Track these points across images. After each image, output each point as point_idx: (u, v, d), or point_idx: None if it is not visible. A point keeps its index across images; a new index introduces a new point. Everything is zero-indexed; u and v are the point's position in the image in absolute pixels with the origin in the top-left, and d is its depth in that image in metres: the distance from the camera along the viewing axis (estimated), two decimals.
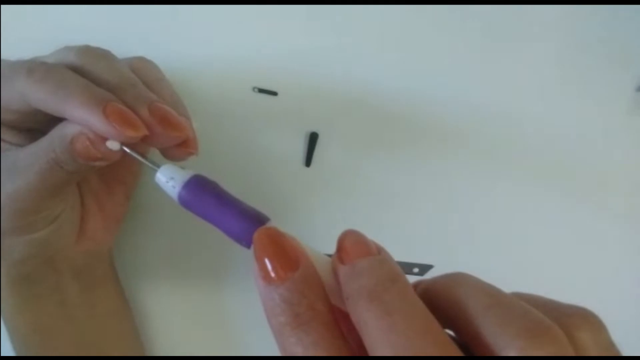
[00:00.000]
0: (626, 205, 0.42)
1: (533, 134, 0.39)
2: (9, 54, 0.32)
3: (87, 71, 0.25)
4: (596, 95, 0.37)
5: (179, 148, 0.26)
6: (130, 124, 0.24)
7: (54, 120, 0.25)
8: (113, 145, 0.24)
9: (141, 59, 0.30)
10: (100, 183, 0.32)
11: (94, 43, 0.33)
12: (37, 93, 0.24)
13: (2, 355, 0.36)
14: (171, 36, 0.35)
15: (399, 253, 0.39)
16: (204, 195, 0.23)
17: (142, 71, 0.28)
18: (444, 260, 0.39)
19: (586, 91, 0.37)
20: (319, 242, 0.38)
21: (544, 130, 0.39)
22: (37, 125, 0.27)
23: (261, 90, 0.36)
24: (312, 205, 0.38)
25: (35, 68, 0.25)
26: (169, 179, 0.23)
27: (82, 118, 0.24)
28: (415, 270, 0.39)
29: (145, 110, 0.24)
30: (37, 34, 0.35)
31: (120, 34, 0.35)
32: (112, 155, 0.25)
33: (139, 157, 0.25)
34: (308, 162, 0.37)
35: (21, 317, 0.30)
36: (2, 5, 0.34)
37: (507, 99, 0.37)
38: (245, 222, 0.23)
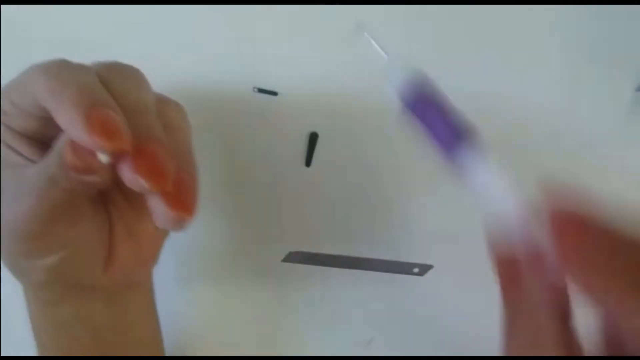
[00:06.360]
0: (626, 205, 0.42)
1: (533, 133, 0.39)
2: (9, 54, 0.33)
3: (108, 87, 0.23)
4: (596, 95, 0.37)
5: (168, 206, 0.23)
6: (109, 133, 0.21)
7: None
8: (103, 157, 0.21)
9: (172, 104, 0.27)
10: (129, 208, 0.28)
11: (93, 43, 0.33)
12: (41, 87, 0.22)
13: (2, 355, 0.36)
14: (171, 36, 0.35)
15: (399, 253, 0.39)
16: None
17: (166, 113, 0.26)
18: (444, 260, 0.39)
19: (586, 91, 0.37)
20: (319, 241, 0.38)
21: (543, 130, 0.39)
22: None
23: (261, 90, 0.36)
24: (312, 205, 0.38)
25: (53, 64, 0.23)
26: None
27: (65, 122, 0.21)
28: (416, 270, 0.39)
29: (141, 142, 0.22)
30: (37, 34, 0.35)
31: (121, 34, 0.35)
32: (100, 169, 0.22)
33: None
34: (308, 162, 0.37)
35: (52, 342, 0.29)
36: (2, 5, 0.34)
37: (506, 99, 0.37)
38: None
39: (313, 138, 0.37)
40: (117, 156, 0.22)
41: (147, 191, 0.22)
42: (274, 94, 0.36)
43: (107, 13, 0.35)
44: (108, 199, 0.29)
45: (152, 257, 0.31)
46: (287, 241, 0.38)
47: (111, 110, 0.22)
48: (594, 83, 0.37)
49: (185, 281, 0.39)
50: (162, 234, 0.30)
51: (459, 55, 0.36)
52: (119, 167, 0.22)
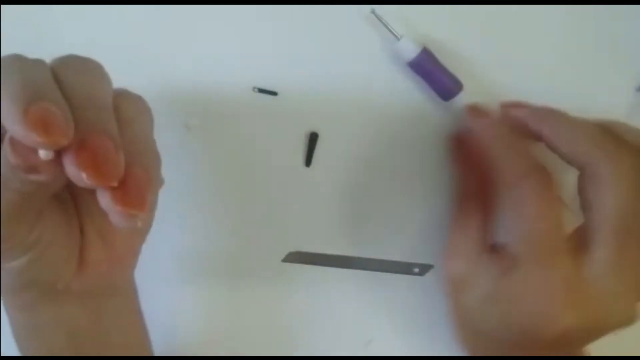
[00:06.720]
0: None
1: None
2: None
3: (59, 80, 0.22)
4: (596, 95, 0.37)
5: (113, 201, 0.21)
6: (47, 128, 0.20)
7: None
8: (43, 153, 0.20)
9: (132, 97, 0.26)
10: (99, 209, 0.27)
11: (94, 43, 0.33)
12: None
13: (2, 355, 0.36)
14: (171, 36, 0.35)
15: (399, 253, 0.39)
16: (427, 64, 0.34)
17: (124, 106, 0.25)
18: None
19: (586, 91, 0.37)
20: (319, 241, 0.38)
21: None
22: None
23: (261, 90, 0.36)
24: (312, 205, 0.38)
25: (4, 59, 0.22)
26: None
27: (4, 118, 0.20)
28: (416, 270, 0.39)
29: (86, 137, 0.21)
30: (37, 34, 0.35)
31: (121, 34, 0.35)
32: (43, 166, 0.21)
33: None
34: (308, 162, 0.37)
35: (33, 345, 0.29)
36: (2, 5, 0.34)
37: (505, 99, 0.37)
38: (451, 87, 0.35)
39: (313, 138, 0.37)
40: (60, 152, 0.21)
41: (92, 186, 0.21)
42: (274, 94, 0.36)
43: (107, 13, 0.35)
44: (78, 200, 0.28)
45: (127, 259, 0.31)
46: (287, 241, 0.38)
47: (52, 104, 0.20)
48: (594, 83, 0.37)
49: (185, 281, 0.39)
50: (137, 237, 0.30)
51: (457, 56, 0.36)
52: (63, 162, 0.21)
